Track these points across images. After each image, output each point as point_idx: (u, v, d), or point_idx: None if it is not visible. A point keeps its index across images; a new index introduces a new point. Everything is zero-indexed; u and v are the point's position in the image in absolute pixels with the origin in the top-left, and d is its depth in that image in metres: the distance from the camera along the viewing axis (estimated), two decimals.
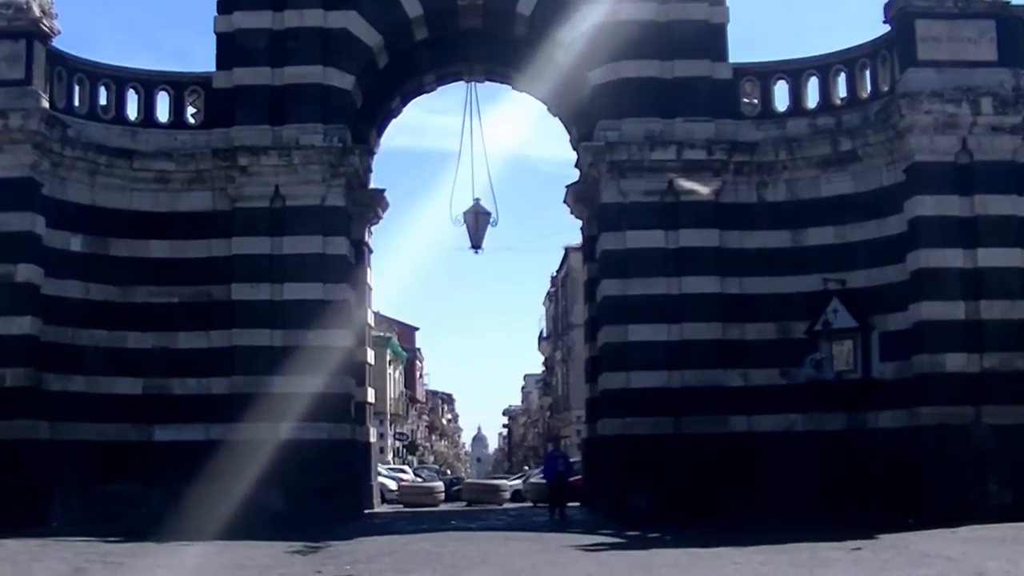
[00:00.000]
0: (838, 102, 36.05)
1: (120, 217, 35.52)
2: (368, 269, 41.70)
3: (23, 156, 33.08)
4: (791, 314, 35.28)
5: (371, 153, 40.41)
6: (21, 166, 33.14)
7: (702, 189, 35.53)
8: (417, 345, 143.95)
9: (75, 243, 34.72)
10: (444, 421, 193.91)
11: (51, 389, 33.58)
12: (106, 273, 35.15)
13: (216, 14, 36.80)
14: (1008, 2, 33.50)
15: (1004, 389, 31.75)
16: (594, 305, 39.18)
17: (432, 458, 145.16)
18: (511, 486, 56.49)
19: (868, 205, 34.58)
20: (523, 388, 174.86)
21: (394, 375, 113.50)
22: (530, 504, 48.85)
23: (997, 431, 31.59)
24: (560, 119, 41.63)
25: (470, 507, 49.85)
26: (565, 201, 41.17)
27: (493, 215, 39.16)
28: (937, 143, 32.83)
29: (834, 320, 34.53)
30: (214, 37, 36.81)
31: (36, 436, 32.76)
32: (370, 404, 41.98)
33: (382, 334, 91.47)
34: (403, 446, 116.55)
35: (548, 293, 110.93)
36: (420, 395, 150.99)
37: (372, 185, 40.75)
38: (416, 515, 40.43)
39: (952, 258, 32.34)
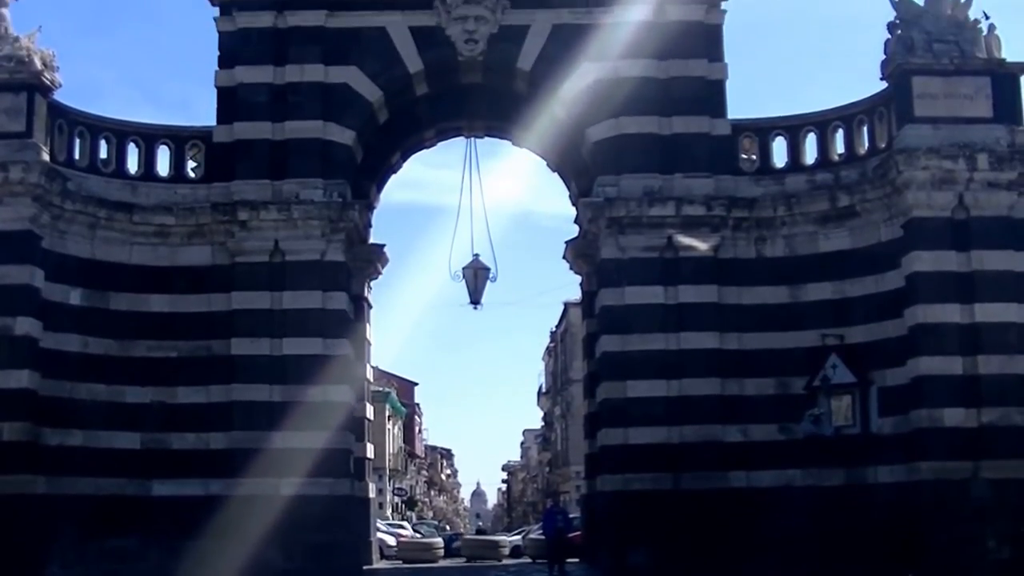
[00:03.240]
0: (836, 158, 36.20)
1: (120, 271, 35.52)
2: (367, 324, 41.67)
3: (23, 209, 33.11)
4: (790, 369, 35.27)
5: (371, 208, 40.45)
6: (21, 219, 33.17)
7: (701, 245, 35.62)
8: (416, 400, 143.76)
9: (74, 296, 34.67)
10: (443, 476, 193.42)
11: (49, 443, 33.50)
12: (105, 327, 35.08)
13: (218, 68, 37.01)
14: (1003, 59, 33.83)
15: (1002, 444, 31.85)
16: (593, 361, 39.18)
17: (431, 513, 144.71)
18: (510, 542, 56.35)
19: (866, 260, 34.68)
20: (522, 443, 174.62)
21: (393, 430, 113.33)
22: (529, 560, 48.71)
23: (995, 486, 31.62)
24: (560, 174, 41.72)
25: (469, 563, 49.71)
26: (565, 257, 41.24)
27: (492, 271, 39.32)
28: (934, 199, 33.03)
29: (833, 375, 34.56)
30: (215, 91, 36.98)
31: (34, 491, 32.65)
32: (369, 459, 41.86)
33: (381, 389, 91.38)
34: (402, 501, 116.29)
35: (547, 348, 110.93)
36: (419, 450, 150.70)
37: (372, 240, 40.77)
38: (415, 571, 40.31)
39: (950, 313, 32.48)
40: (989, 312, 32.42)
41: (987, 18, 34.28)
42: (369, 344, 42.14)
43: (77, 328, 34.62)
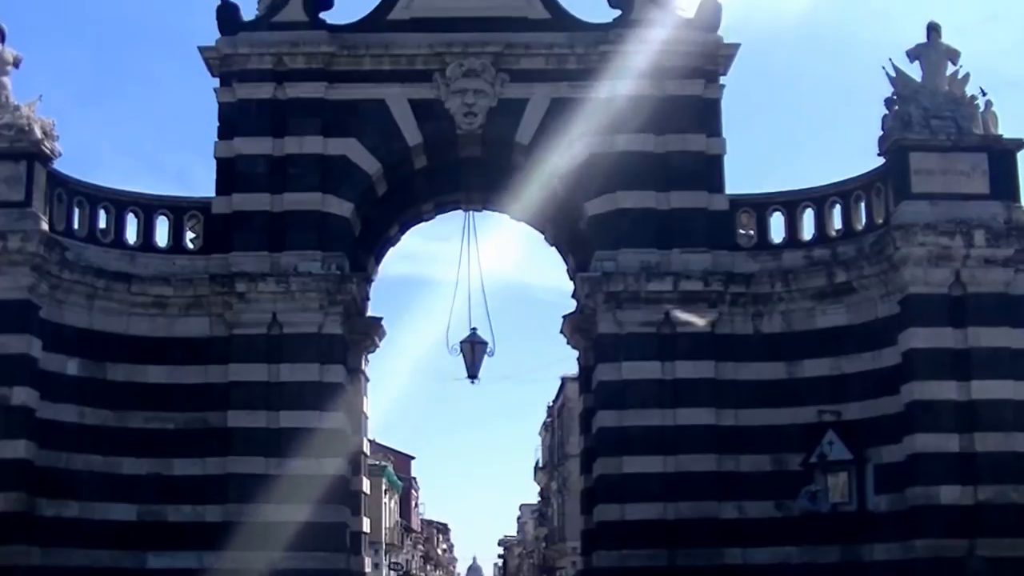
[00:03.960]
0: (833, 234, 36.19)
1: (117, 341, 35.46)
2: (364, 397, 41.55)
3: (21, 278, 33.09)
4: (786, 446, 35.16)
5: (369, 281, 40.43)
6: (19, 288, 33.13)
7: (698, 320, 35.62)
8: (413, 474, 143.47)
9: (71, 367, 34.60)
10: (439, 551, 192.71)
11: (44, 514, 33.33)
12: (102, 397, 35.00)
13: (217, 139, 37.19)
14: (1000, 136, 33.96)
15: (998, 521, 31.69)
16: (590, 436, 39.02)
17: None
18: None
19: (863, 337, 34.66)
20: (519, 518, 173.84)
21: (390, 504, 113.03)
22: None
23: (992, 564, 31.46)
24: (557, 248, 41.74)
25: None
26: (562, 331, 41.14)
27: (490, 345, 39.18)
28: (931, 275, 33.06)
29: (829, 452, 34.45)
30: (214, 162, 37.19)
31: (28, 562, 32.45)
32: (365, 533, 41.71)
33: (378, 463, 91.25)
34: None
35: (544, 423, 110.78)
36: (415, 524, 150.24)
37: (370, 313, 40.71)
38: None
39: (946, 390, 32.45)
40: (986, 389, 32.37)
41: (984, 94, 34.47)
42: (366, 417, 42.04)
43: (74, 398, 34.52)
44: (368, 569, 42.45)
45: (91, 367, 35.07)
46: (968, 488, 32.11)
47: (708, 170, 36.86)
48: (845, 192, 36.24)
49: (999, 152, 33.94)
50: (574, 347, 41.48)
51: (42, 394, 33.54)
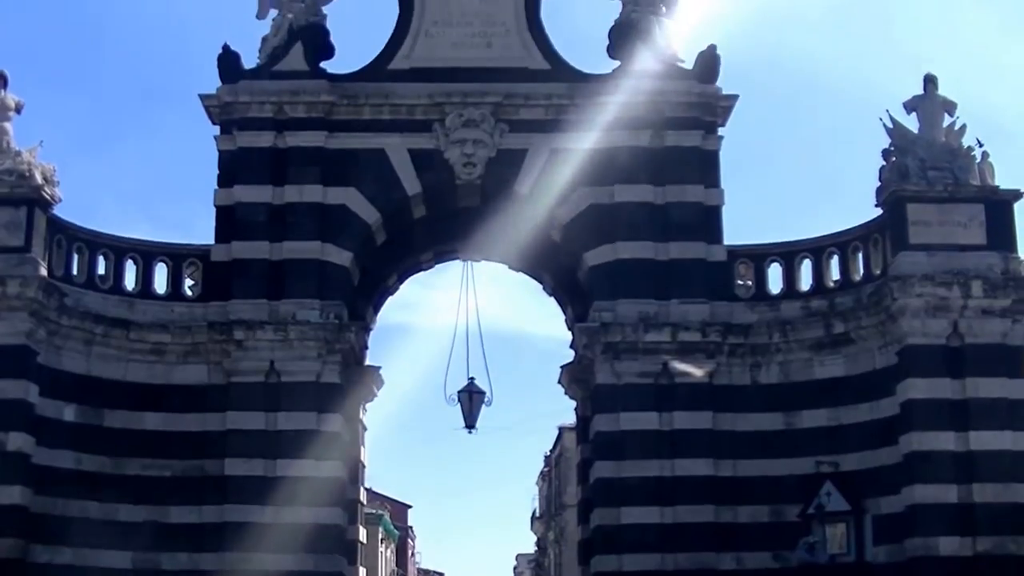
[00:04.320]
0: (831, 284, 36.28)
1: (115, 388, 35.41)
2: (362, 446, 41.57)
3: (19, 324, 33.09)
4: (784, 497, 35.10)
5: (367, 330, 40.44)
6: (17, 333, 33.12)
7: (696, 371, 35.63)
8: (410, 523, 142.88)
9: (68, 413, 34.56)
10: None
11: (38, 561, 33.21)
12: (99, 444, 34.91)
13: (217, 187, 37.26)
14: (997, 186, 34.15)
15: (997, 572, 31.71)
16: (587, 486, 38.99)
17: None
18: None
19: (861, 387, 34.74)
20: (515, 568, 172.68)
21: (386, 553, 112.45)
22: None
23: None
24: (556, 298, 41.76)
25: None
26: (560, 382, 41.09)
27: (487, 394, 39.12)
28: (929, 326, 33.18)
29: (827, 503, 34.30)
30: (214, 209, 37.25)
31: None
32: None
33: (375, 512, 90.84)
34: None
35: (541, 472, 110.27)
36: (412, 574, 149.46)
37: (368, 361, 40.70)
38: None
39: (944, 441, 32.54)
40: (984, 440, 32.43)
41: (980, 145, 34.71)
42: (363, 466, 42.00)
43: (71, 445, 34.44)
44: None
45: (88, 413, 35.01)
46: (967, 539, 32.08)
47: (706, 221, 36.94)
48: (843, 243, 36.32)
49: (996, 203, 34.11)
50: (572, 397, 41.42)
51: (38, 440, 33.48)
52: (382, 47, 38.40)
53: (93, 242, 36.29)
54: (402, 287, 42.38)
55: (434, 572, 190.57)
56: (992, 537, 32.03)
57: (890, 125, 35.02)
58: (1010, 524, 32.18)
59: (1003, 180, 34.58)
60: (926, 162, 34.28)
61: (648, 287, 36.27)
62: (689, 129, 37.18)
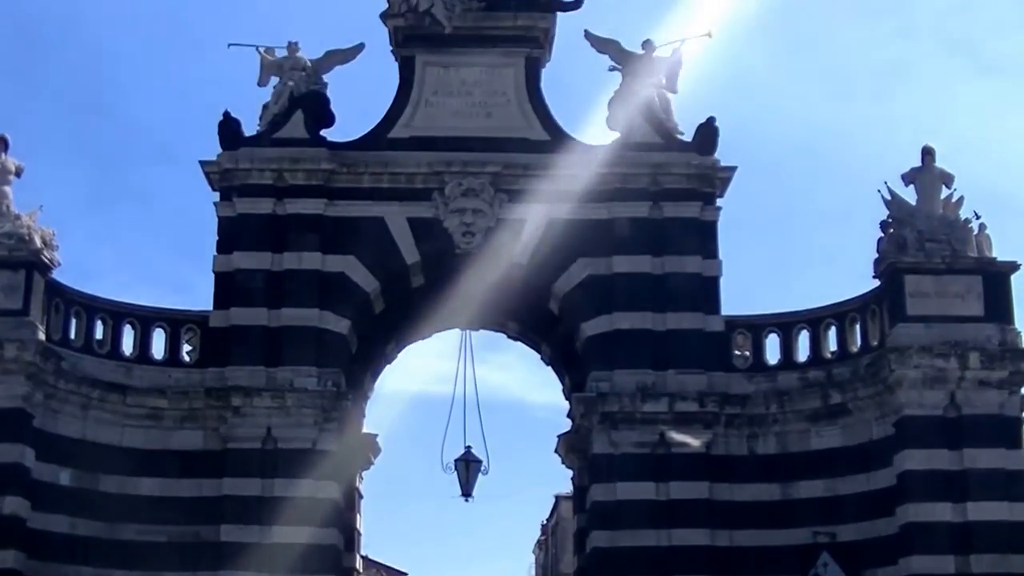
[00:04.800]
0: (828, 355, 36.31)
1: (111, 452, 35.26)
2: (358, 514, 41.46)
3: (16, 387, 33.05)
4: (781, 567, 34.88)
5: (365, 398, 40.49)
6: (14, 397, 33.08)
7: (693, 441, 35.55)
8: None
9: (64, 477, 34.37)
10: None
11: None
12: (94, 509, 34.70)
13: (216, 253, 37.28)
14: (994, 258, 34.29)
15: None
16: (584, 556, 38.91)
17: None
18: None
19: (858, 458, 34.70)
20: None
21: None
22: None
23: None
24: (553, 367, 41.79)
25: None
26: (556, 451, 41.05)
27: (484, 463, 39.15)
28: (926, 397, 33.25)
29: (824, 574, 34.25)
30: (213, 275, 37.26)
31: None
32: None
33: None
34: None
35: (538, 541, 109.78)
36: None
37: (365, 429, 40.73)
38: None
39: (941, 512, 32.48)
40: (981, 511, 32.35)
41: (978, 217, 34.85)
42: (359, 534, 41.88)
43: (66, 509, 34.24)
44: None
45: (84, 478, 34.84)
46: None
47: (704, 291, 36.98)
48: (840, 314, 36.39)
49: (993, 274, 34.24)
50: (569, 466, 41.37)
51: (33, 504, 33.33)
52: (382, 116, 38.64)
53: (91, 306, 36.30)
54: (400, 355, 42.37)
55: None
56: None
57: (888, 197, 35.23)
58: None
59: (1000, 252, 34.81)
60: (924, 234, 34.43)
61: (645, 357, 36.24)
62: (687, 200, 37.29)
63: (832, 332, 36.52)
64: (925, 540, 32.48)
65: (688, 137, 38.14)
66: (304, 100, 37.90)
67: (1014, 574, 32.24)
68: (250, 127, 38.14)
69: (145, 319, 37.00)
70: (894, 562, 33.02)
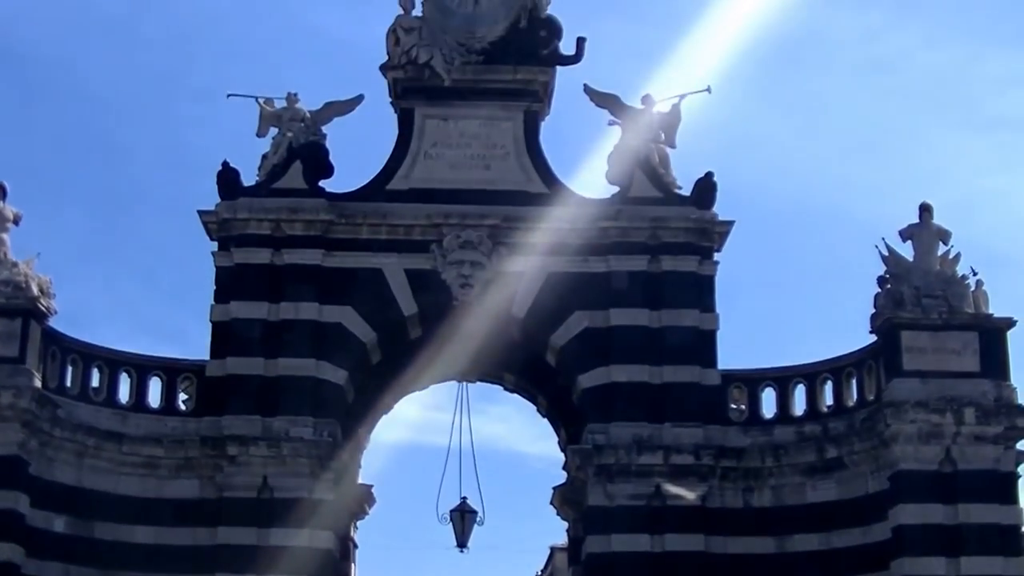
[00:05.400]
0: (825, 410, 36.37)
1: (106, 500, 35.22)
2: (353, 564, 41.37)
3: (12, 434, 33.05)
4: None
5: (360, 448, 40.47)
6: (9, 444, 33.08)
7: (689, 494, 35.54)
8: None
9: (59, 524, 34.33)
10: None
11: None
12: (89, 556, 34.65)
13: (213, 303, 37.29)
14: (990, 314, 34.47)
15: None
16: None
17: None
18: None
19: (853, 512, 34.74)
20: None
21: None
22: None
23: None
24: (550, 420, 41.72)
25: None
26: (552, 503, 41.01)
27: (480, 514, 39.18)
28: (921, 452, 33.38)
29: None
30: (209, 324, 37.25)
31: None
32: None
33: None
34: None
35: None
36: None
37: (361, 479, 40.72)
38: None
39: (936, 566, 32.64)
40: (975, 566, 32.49)
41: (975, 274, 35.03)
42: None
43: (60, 556, 34.18)
44: None
45: (79, 525, 34.79)
46: None
47: (701, 345, 37.02)
48: (836, 369, 36.48)
49: (989, 330, 34.42)
50: (564, 518, 41.36)
51: (28, 551, 33.27)
52: (381, 167, 38.73)
53: (88, 354, 36.33)
54: (397, 405, 42.37)
55: None
56: None
57: (886, 253, 35.39)
58: None
59: (997, 308, 35.01)
60: (921, 290, 34.59)
61: (642, 410, 36.24)
62: (685, 255, 37.35)
63: (828, 387, 36.59)
64: None
65: (687, 191, 38.26)
66: (303, 151, 37.97)
67: None
68: (249, 177, 38.23)
69: (141, 367, 37.00)
70: None
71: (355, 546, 41.83)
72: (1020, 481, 34.06)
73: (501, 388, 42.01)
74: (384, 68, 39.22)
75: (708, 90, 39.18)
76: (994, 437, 33.41)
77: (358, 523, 41.90)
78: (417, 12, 39.19)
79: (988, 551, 32.59)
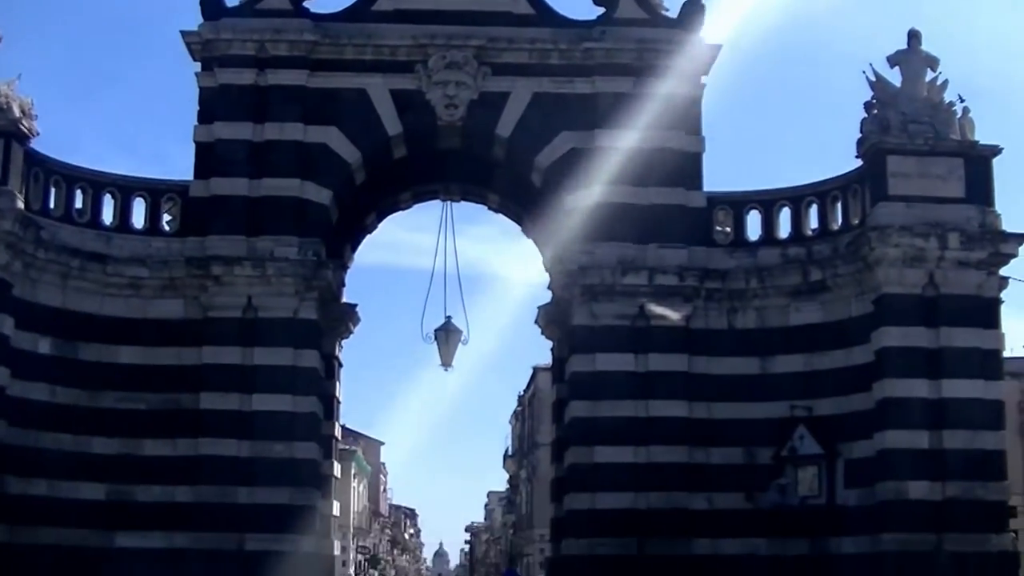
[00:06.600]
0: (809, 233, 36.50)
1: (90, 321, 35.37)
2: (337, 383, 41.70)
3: None
4: (757, 440, 35.46)
5: (345, 268, 40.54)
6: None
7: (673, 315, 35.78)
8: (382, 459, 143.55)
9: (43, 345, 34.48)
10: (406, 536, 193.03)
11: (11, 492, 33.28)
12: (74, 377, 34.91)
13: (196, 123, 37.08)
14: (976, 142, 34.43)
15: (965, 517, 32.25)
16: (562, 426, 39.27)
17: (393, 572, 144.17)
18: None
19: (836, 334, 35.06)
20: (487, 505, 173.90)
21: (358, 488, 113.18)
22: None
23: (957, 558, 32.04)
24: (534, 241, 41.80)
25: None
26: (536, 322, 41.28)
27: (464, 333, 39.23)
28: (905, 276, 33.50)
29: (800, 446, 34.78)
30: (193, 146, 37.12)
31: None
32: (334, 517, 41.82)
33: (348, 448, 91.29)
34: (365, 560, 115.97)
35: (515, 412, 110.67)
36: (383, 509, 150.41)
37: (345, 299, 40.86)
38: None
39: (917, 388, 32.97)
40: (956, 388, 32.88)
41: (962, 101, 34.90)
42: (338, 403, 42.13)
43: (45, 377, 34.40)
44: (336, 552, 42.55)
45: (64, 346, 34.99)
46: (936, 484, 32.58)
47: (687, 167, 37.02)
48: (822, 192, 36.52)
49: (975, 158, 34.37)
50: (548, 338, 41.63)
51: (13, 372, 33.40)
52: None
53: (71, 176, 36.12)
54: (381, 227, 42.46)
55: (405, 508, 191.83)
56: (961, 482, 32.53)
57: (873, 79, 35.13)
58: (978, 470, 32.70)
59: (982, 135, 34.91)
60: (907, 116, 34.43)
61: (627, 231, 36.32)
62: (673, 78, 37.00)
63: (813, 210, 36.68)
64: (900, 415, 32.96)
65: (674, 14, 37.89)
66: None
67: (985, 450, 32.87)
68: None
69: (125, 189, 36.86)
70: (869, 436, 33.51)
71: (340, 364, 42.12)
72: (1002, 307, 34.24)
73: (485, 208, 41.98)
74: None
75: None
76: (977, 262, 33.54)
77: (343, 342, 42.18)
78: None
79: (969, 374, 32.94)
